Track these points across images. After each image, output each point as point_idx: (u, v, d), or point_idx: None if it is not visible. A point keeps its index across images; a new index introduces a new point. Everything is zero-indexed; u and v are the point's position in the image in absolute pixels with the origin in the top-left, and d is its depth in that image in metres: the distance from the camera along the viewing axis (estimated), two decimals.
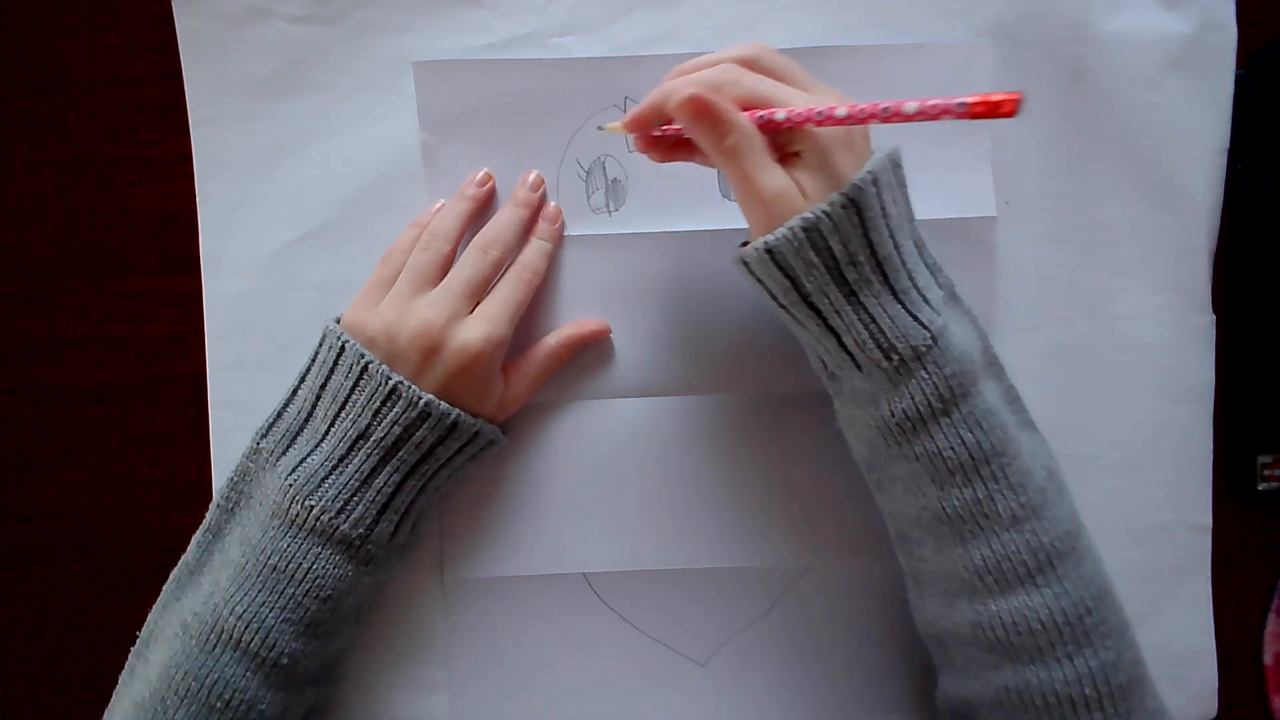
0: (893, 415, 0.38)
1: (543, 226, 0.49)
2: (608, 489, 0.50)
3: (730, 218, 0.49)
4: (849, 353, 0.39)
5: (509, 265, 0.47)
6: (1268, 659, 0.54)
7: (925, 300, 0.38)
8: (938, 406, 0.38)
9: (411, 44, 0.49)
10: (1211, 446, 0.52)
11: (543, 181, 0.49)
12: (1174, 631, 0.52)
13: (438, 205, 0.49)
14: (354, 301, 0.47)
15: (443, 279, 0.46)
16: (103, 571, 0.52)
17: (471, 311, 0.45)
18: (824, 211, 0.36)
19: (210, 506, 0.46)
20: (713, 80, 0.38)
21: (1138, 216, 0.51)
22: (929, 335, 0.37)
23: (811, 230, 0.36)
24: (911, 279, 0.38)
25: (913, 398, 0.38)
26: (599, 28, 0.50)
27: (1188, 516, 0.52)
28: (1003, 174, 0.51)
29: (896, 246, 0.38)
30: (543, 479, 0.50)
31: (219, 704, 0.41)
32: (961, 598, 0.40)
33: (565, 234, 0.50)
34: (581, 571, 0.50)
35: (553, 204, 0.49)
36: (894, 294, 0.38)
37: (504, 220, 0.48)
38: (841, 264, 0.37)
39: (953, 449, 0.38)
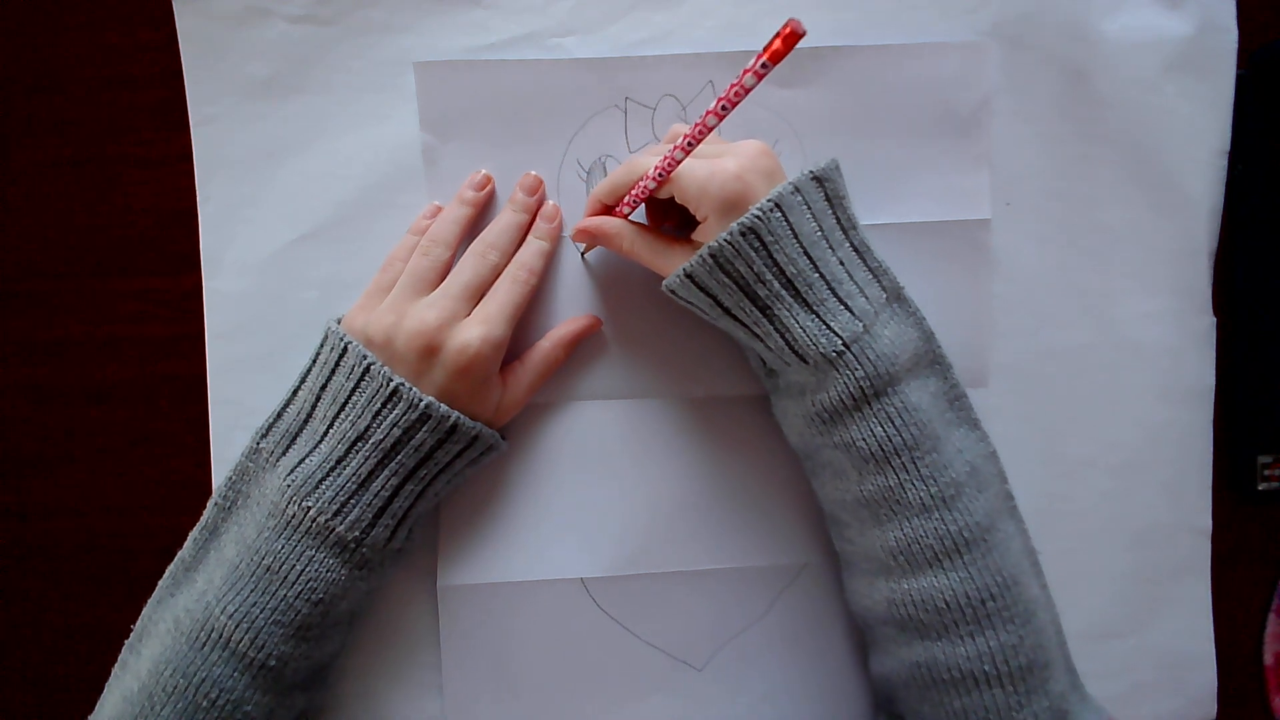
0: (813, 406, 0.43)
1: (541, 226, 0.48)
2: (605, 491, 0.50)
3: None
4: (775, 353, 0.43)
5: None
6: (1268, 659, 0.54)
7: (846, 307, 0.41)
8: (850, 403, 0.41)
9: (412, 44, 0.49)
10: (1211, 449, 0.52)
11: (541, 183, 0.49)
12: (1174, 633, 0.52)
13: (433, 208, 0.49)
14: (354, 306, 0.47)
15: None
16: (103, 571, 0.52)
17: (470, 314, 0.45)
18: (725, 240, 0.41)
19: (208, 504, 0.46)
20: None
21: (1138, 218, 0.51)
22: (840, 342, 0.41)
23: (717, 256, 0.41)
24: (832, 289, 0.42)
25: (828, 394, 0.42)
26: (599, 28, 0.50)
27: (1187, 518, 0.52)
28: (1003, 175, 0.51)
29: (813, 261, 0.41)
30: (538, 481, 0.50)
31: (205, 702, 0.41)
32: (880, 577, 0.43)
33: (564, 234, 0.50)
34: (579, 577, 0.50)
35: (551, 203, 0.49)
36: (807, 305, 0.41)
37: (503, 225, 0.48)
38: (751, 283, 0.41)
39: (864, 440, 0.41)
